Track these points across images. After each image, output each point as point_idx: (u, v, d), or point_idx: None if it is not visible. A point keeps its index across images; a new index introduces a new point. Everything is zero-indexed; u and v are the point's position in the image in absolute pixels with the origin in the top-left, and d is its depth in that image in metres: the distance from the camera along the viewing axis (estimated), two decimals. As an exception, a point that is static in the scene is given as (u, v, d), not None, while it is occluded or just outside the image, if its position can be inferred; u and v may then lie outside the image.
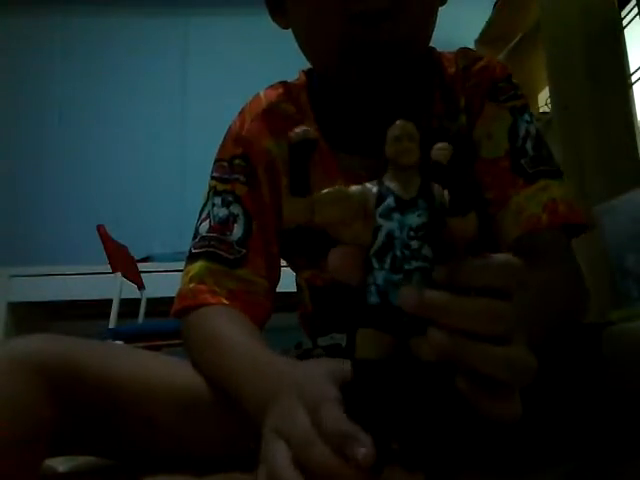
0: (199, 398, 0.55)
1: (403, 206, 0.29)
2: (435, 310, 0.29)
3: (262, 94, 0.73)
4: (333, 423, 0.31)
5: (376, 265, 0.30)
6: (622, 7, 1.73)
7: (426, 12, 0.60)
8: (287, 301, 0.72)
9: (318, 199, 0.30)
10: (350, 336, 0.31)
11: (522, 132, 0.65)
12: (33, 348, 0.51)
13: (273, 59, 3.08)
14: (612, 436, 0.48)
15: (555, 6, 1.78)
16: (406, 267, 0.29)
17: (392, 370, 0.29)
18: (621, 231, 1.30)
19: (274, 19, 0.67)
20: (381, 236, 0.30)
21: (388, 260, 0.29)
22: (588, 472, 0.49)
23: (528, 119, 0.66)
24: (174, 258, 2.59)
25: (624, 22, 1.74)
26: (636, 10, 1.69)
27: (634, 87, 1.69)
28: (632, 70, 1.70)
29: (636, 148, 1.63)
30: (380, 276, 0.29)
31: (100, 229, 2.08)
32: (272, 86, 0.74)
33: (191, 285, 0.65)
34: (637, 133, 1.66)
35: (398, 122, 0.30)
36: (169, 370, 0.58)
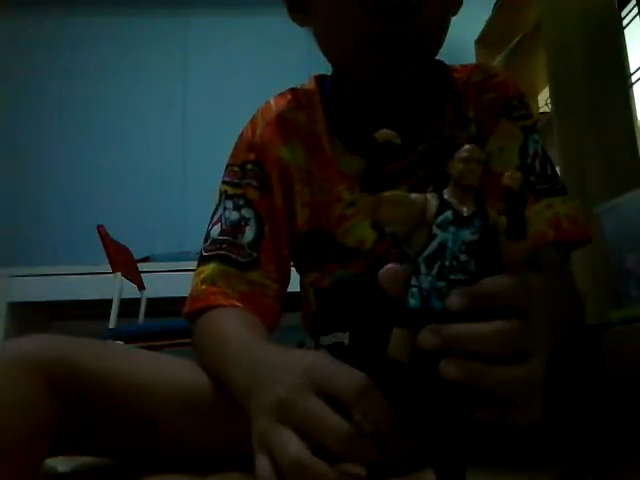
0: (200, 398, 0.55)
1: (460, 221, 0.32)
2: (451, 343, 0.31)
3: (272, 102, 0.74)
4: (385, 415, 0.33)
5: (423, 270, 0.32)
6: (622, 7, 1.73)
7: (444, 12, 0.61)
8: (289, 301, 0.72)
9: (385, 199, 0.32)
10: (378, 333, 0.33)
11: (531, 151, 0.67)
12: (34, 348, 0.51)
13: (273, 60, 3.08)
14: (611, 437, 0.48)
15: (555, 6, 1.78)
16: (451, 277, 0.31)
17: (418, 377, 0.32)
18: (621, 231, 1.30)
19: (292, 16, 0.67)
20: (434, 244, 0.32)
21: (436, 267, 0.32)
22: (587, 472, 0.49)
23: (536, 139, 0.69)
24: (174, 258, 2.60)
25: (624, 22, 1.74)
26: (636, 10, 1.69)
27: (634, 87, 1.69)
28: (632, 70, 1.70)
29: (636, 148, 1.63)
30: (426, 281, 0.32)
31: (100, 229, 2.07)
32: (281, 94, 0.75)
33: (203, 287, 0.66)
34: (637, 133, 1.66)
35: (468, 146, 0.32)
36: (170, 370, 0.58)
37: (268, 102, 0.74)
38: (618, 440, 0.48)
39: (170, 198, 3.11)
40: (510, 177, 0.32)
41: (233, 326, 0.59)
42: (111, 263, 2.08)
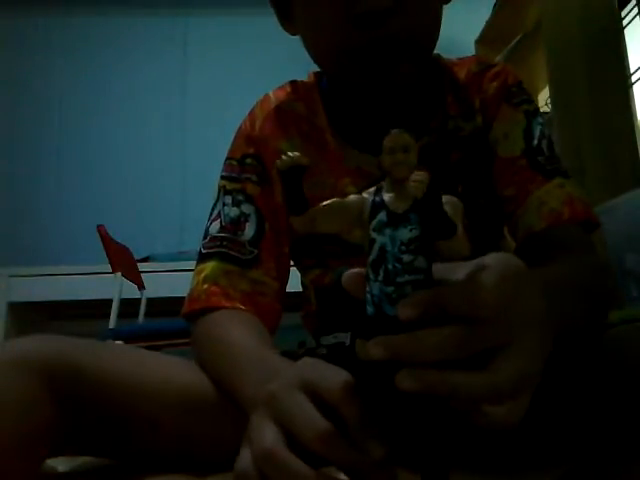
0: (200, 398, 0.55)
1: (395, 220, 0.30)
2: (401, 354, 0.30)
3: (271, 94, 0.74)
4: (361, 419, 0.33)
5: (371, 276, 0.31)
6: (622, 7, 1.73)
7: (428, 9, 0.61)
8: (290, 301, 0.72)
9: (316, 213, 0.31)
10: (379, 334, 0.32)
11: (537, 133, 0.67)
12: (33, 349, 0.51)
13: (272, 60, 3.08)
14: (611, 437, 0.48)
15: (555, 6, 1.78)
16: (398, 280, 0.30)
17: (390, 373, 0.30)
18: (621, 231, 1.30)
19: (283, 26, 0.68)
20: (375, 249, 0.30)
21: (382, 273, 0.30)
22: (587, 473, 0.49)
23: (541, 121, 0.69)
24: (174, 258, 2.60)
25: (624, 22, 1.74)
26: (636, 10, 1.69)
27: (634, 87, 1.69)
28: (632, 70, 1.70)
29: (636, 148, 1.63)
30: (375, 287, 0.30)
31: (100, 229, 2.07)
32: (281, 86, 0.74)
33: (204, 286, 0.65)
34: (637, 133, 1.66)
35: (393, 132, 0.29)
36: (170, 370, 0.57)
37: (267, 95, 0.74)
38: (618, 441, 0.48)
39: (170, 198, 3.11)
40: (412, 183, 0.30)
41: (238, 332, 0.58)
42: (111, 263, 2.08)
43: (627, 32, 1.73)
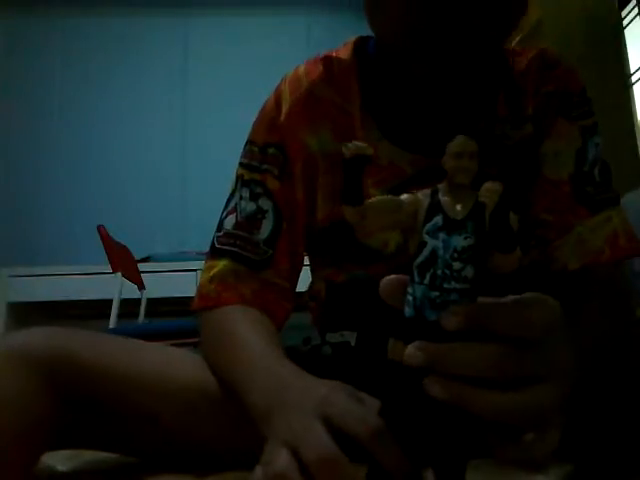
0: (202, 395, 0.55)
1: (451, 227, 0.29)
2: (440, 363, 0.29)
3: (302, 70, 0.66)
4: (399, 465, 0.33)
5: (417, 278, 0.30)
6: (622, 7, 1.74)
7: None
8: (296, 300, 0.71)
9: (370, 207, 0.30)
10: (374, 339, 0.32)
11: (590, 156, 0.62)
12: (32, 342, 0.50)
13: (273, 60, 3.08)
14: (614, 438, 0.48)
15: (555, 6, 1.78)
16: (445, 286, 0.30)
17: (416, 378, 0.30)
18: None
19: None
20: (425, 252, 0.30)
21: (428, 276, 0.30)
22: (589, 473, 0.49)
23: (597, 141, 0.63)
24: (174, 258, 2.59)
25: (624, 22, 1.74)
26: (636, 10, 1.69)
27: (634, 87, 1.69)
28: (632, 70, 1.70)
29: (636, 148, 1.63)
30: (419, 290, 0.30)
31: (100, 229, 2.07)
32: (313, 61, 0.66)
33: (212, 285, 0.63)
34: (637, 133, 1.66)
35: (461, 138, 0.29)
36: (172, 365, 0.57)
37: (296, 70, 0.66)
38: (622, 441, 0.48)
39: (170, 198, 3.10)
40: (485, 192, 0.29)
41: (247, 333, 0.57)
42: (111, 263, 2.08)
43: (627, 32, 1.73)
